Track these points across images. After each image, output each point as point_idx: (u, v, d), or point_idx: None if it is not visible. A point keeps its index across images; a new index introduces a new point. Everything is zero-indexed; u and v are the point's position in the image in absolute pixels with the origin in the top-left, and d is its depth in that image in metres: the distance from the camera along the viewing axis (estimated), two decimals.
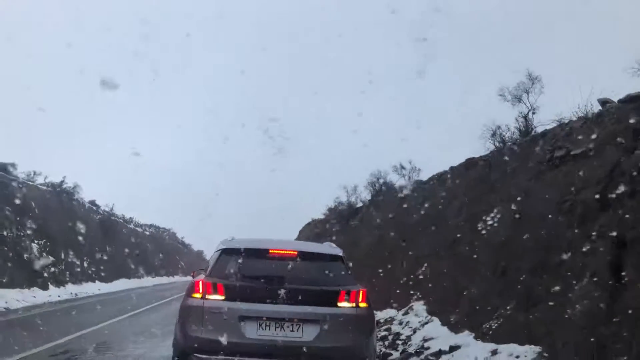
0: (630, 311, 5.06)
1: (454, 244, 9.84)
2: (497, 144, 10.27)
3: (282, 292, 5.63)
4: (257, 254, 6.05)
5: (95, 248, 28.62)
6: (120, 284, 27.65)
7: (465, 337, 7.49)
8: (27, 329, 9.94)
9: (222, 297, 5.59)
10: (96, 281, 25.92)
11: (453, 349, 7.20)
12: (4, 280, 16.57)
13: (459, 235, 9.81)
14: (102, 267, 27.34)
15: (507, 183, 8.94)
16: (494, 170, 9.64)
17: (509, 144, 9.88)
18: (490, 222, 8.64)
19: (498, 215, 8.66)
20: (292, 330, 5.59)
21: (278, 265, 6.02)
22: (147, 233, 46.59)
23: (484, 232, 8.73)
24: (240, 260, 6.09)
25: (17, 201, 19.74)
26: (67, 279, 22.94)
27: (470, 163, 10.66)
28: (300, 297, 5.63)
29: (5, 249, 18.20)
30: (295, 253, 6.12)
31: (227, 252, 6.09)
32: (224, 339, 5.37)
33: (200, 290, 5.64)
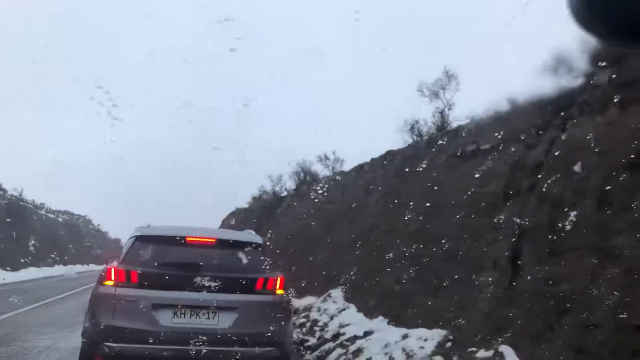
0: (525, 295, 5.48)
1: (371, 233, 10.16)
2: (414, 137, 10.68)
3: (198, 279, 5.62)
4: (174, 241, 5.98)
5: (0, 235, 26.94)
6: (29, 273, 26.21)
7: (379, 323, 7.78)
8: None
9: (136, 285, 5.49)
10: (1, 270, 24.43)
11: (367, 334, 7.46)
12: None
13: (376, 223, 10.13)
14: (8, 255, 25.78)
15: (422, 175, 9.33)
16: (411, 163, 10.02)
17: (426, 137, 10.30)
18: (405, 212, 8.99)
19: (413, 206, 9.03)
20: (208, 318, 5.60)
21: (195, 253, 5.99)
22: (60, 220, 44.38)
23: (399, 221, 9.08)
24: (155, 247, 6.01)
25: None
26: None
27: (389, 155, 11.01)
28: (216, 285, 5.64)
29: None
30: (213, 240, 6.11)
31: (142, 239, 5.99)
32: (136, 327, 5.28)
33: (113, 278, 5.52)
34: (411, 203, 9.14)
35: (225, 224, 23.25)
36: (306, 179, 16.82)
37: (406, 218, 9.13)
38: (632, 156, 4.77)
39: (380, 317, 8.05)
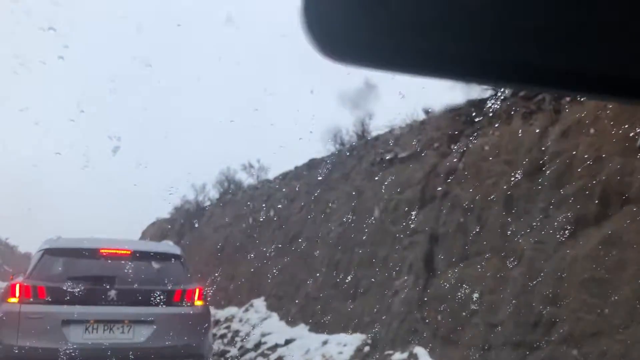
0: (438, 298, 5.70)
1: (294, 241, 10.20)
2: (337, 146, 10.85)
3: (112, 293, 5.45)
4: (85, 253, 5.77)
5: None
6: None
7: (301, 330, 7.82)
8: None
9: (43, 301, 5.24)
10: None
11: (288, 342, 7.48)
12: None
13: (299, 232, 10.18)
14: None
15: (344, 183, 9.50)
16: (334, 171, 10.18)
17: (347, 146, 10.49)
18: (328, 220, 9.11)
19: (335, 213, 9.17)
20: (123, 332, 5.43)
21: (108, 265, 5.79)
22: None
23: (322, 229, 9.19)
24: (65, 261, 5.76)
25: None
26: None
27: (312, 163, 11.12)
28: (132, 298, 5.49)
29: None
30: (129, 252, 5.94)
31: (50, 252, 5.73)
32: (44, 346, 5.04)
33: (17, 294, 5.23)
34: (332, 210, 9.28)
35: (145, 236, 22.51)
36: (230, 187, 16.62)
37: (328, 225, 9.25)
38: (531, 163, 5.11)
39: (302, 325, 8.10)
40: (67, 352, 5.02)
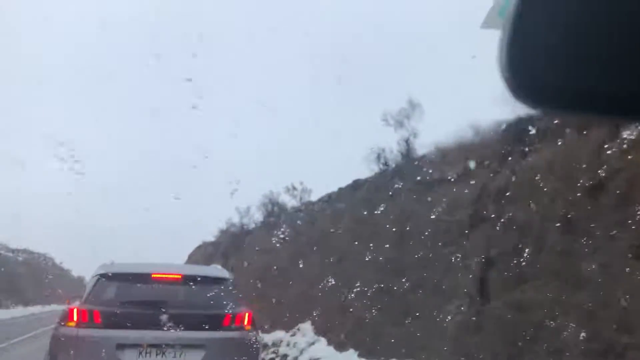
0: (493, 322, 5.49)
1: (340, 264, 10.09)
2: (381, 166, 10.74)
3: (163, 317, 5.46)
4: (138, 278, 5.83)
5: None
6: None
7: (350, 355, 7.67)
8: None
9: (99, 325, 5.31)
10: None
11: None
12: None
13: (345, 254, 10.08)
14: None
15: (390, 204, 9.37)
16: (379, 192, 10.07)
17: (392, 166, 10.38)
18: (374, 242, 8.98)
19: (382, 235, 9.03)
20: (175, 357, 5.44)
21: (160, 290, 5.84)
22: (20, 259, 42.86)
23: (368, 251, 9.06)
24: (119, 285, 5.84)
25: None
26: None
27: (356, 184, 11.05)
28: (183, 322, 5.49)
29: None
30: (179, 276, 5.98)
31: (105, 277, 5.81)
32: None
33: (75, 319, 5.32)
34: (379, 232, 9.14)
35: (192, 259, 22.82)
36: (274, 210, 16.69)
37: (375, 248, 9.12)
38: (590, 181, 4.89)
39: (351, 350, 7.95)
40: None
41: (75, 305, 5.50)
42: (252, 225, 17.93)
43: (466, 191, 7.52)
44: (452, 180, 8.10)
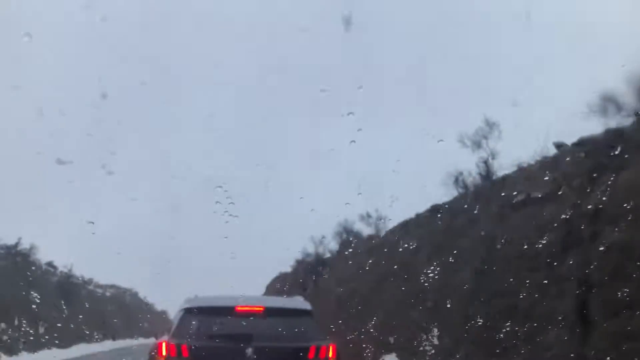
0: (600, 353, 5.04)
1: (423, 293, 9.77)
2: (459, 189, 10.43)
3: (249, 350, 5.43)
4: (222, 311, 5.84)
5: (52, 312, 27.34)
6: (79, 350, 26.29)
7: None
8: None
9: (187, 359, 5.34)
10: (52, 348, 24.57)
11: None
12: None
13: (427, 283, 9.75)
14: (59, 332, 26.03)
15: (472, 228, 9.01)
16: (459, 216, 9.73)
17: (471, 189, 10.04)
18: (458, 269, 8.63)
19: (464, 261, 8.67)
20: None
21: (244, 323, 5.82)
22: (108, 294, 44.93)
23: (452, 279, 8.71)
24: (204, 319, 5.87)
25: None
26: (21, 347, 21.69)
27: (435, 209, 10.75)
28: (268, 355, 5.44)
29: None
30: (262, 309, 5.94)
31: (190, 311, 5.87)
32: None
33: (164, 353, 5.38)
34: (461, 258, 8.78)
35: (270, 290, 22.99)
36: (349, 239, 16.56)
37: (458, 275, 8.76)
38: None
39: None
40: None
41: (164, 339, 5.57)
42: (328, 255, 17.86)
43: (554, 212, 7.09)
44: (539, 201, 7.68)
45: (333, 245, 17.76)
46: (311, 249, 18.93)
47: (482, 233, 8.56)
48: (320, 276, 16.85)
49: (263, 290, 24.77)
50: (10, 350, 20.25)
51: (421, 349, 8.80)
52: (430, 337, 8.72)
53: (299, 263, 20.38)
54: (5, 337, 20.42)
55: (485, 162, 10.05)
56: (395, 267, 11.51)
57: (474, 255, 8.50)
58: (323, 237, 18.11)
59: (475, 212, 9.28)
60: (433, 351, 8.37)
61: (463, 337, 7.84)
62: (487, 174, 10.01)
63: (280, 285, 21.57)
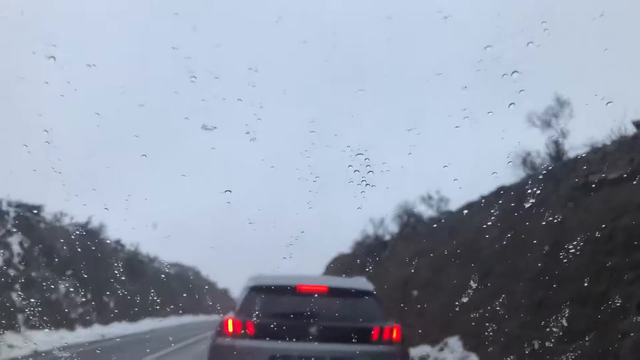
0: None
1: (488, 276, 9.52)
2: (527, 170, 10.04)
3: (313, 329, 5.46)
4: (287, 290, 5.89)
5: (121, 288, 28.69)
6: (147, 324, 27.52)
7: None
8: None
9: (252, 336, 5.44)
10: (122, 321, 25.84)
11: None
12: (33, 322, 16.60)
13: (492, 266, 9.50)
14: (128, 307, 27.32)
15: (541, 211, 8.67)
16: (527, 198, 9.38)
17: (540, 170, 9.64)
18: (525, 252, 8.34)
19: (533, 244, 8.37)
20: None
21: (308, 302, 5.84)
22: (172, 272, 46.62)
23: (519, 262, 8.43)
24: (269, 297, 5.95)
25: (45, 242, 19.99)
26: (94, 319, 22.93)
27: (501, 191, 10.41)
28: (332, 335, 5.45)
29: (34, 290, 18.32)
30: (326, 289, 5.95)
31: (255, 289, 5.96)
32: None
33: (230, 329, 5.50)
34: (529, 241, 8.48)
35: (329, 271, 23.16)
36: (409, 221, 16.38)
37: (526, 258, 8.46)
38: None
39: None
40: None
41: (230, 316, 5.68)
42: (388, 237, 17.77)
43: (633, 194, 6.69)
44: (615, 182, 7.29)
45: (393, 227, 17.65)
46: (371, 231, 18.90)
47: (552, 215, 8.22)
48: (380, 258, 16.80)
49: (322, 270, 25.01)
50: (85, 323, 21.46)
51: (485, 333, 8.61)
52: (494, 321, 8.51)
53: (359, 244, 20.41)
54: (80, 310, 21.64)
55: (556, 142, 9.62)
56: (458, 250, 11.29)
57: (543, 238, 8.19)
58: (382, 219, 18.02)
59: (544, 194, 8.92)
60: (498, 335, 8.16)
61: (530, 322, 7.59)
62: (557, 155, 9.58)
63: (339, 266, 21.69)
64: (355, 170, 4.72)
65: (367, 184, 4.83)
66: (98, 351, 14.20)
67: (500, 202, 10.22)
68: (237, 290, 6.80)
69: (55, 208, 24.91)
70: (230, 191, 5.22)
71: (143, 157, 5.62)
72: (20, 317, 15.74)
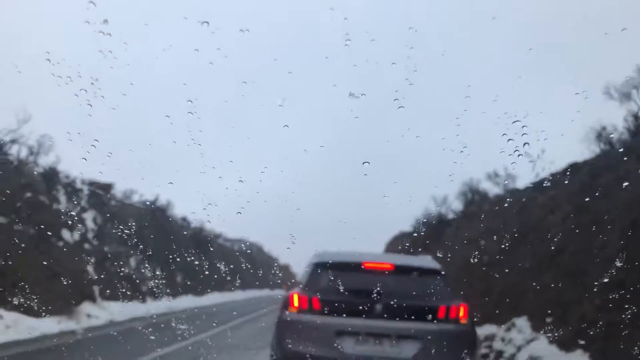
0: None
1: (558, 255, 9.16)
2: (603, 146, 9.50)
3: (378, 307, 5.43)
4: (352, 267, 5.87)
5: (188, 263, 29.76)
6: (213, 298, 28.50)
7: (579, 358, 6.87)
8: (130, 341, 10.38)
9: (318, 311, 5.47)
10: (190, 295, 26.87)
11: None
12: (108, 294, 17.53)
13: (563, 246, 9.11)
14: (195, 281, 28.35)
15: (619, 188, 8.20)
16: (601, 175, 8.89)
17: (618, 145, 9.10)
18: (601, 231, 7.94)
19: (609, 224, 7.94)
20: (391, 347, 5.37)
21: (373, 279, 5.80)
22: (236, 248, 47.87)
23: (594, 242, 8.04)
24: (334, 274, 5.95)
25: (116, 219, 20.97)
26: (163, 292, 23.95)
27: (573, 168, 9.92)
28: (397, 312, 5.40)
29: (107, 264, 19.30)
30: (392, 266, 5.89)
31: (320, 266, 5.97)
32: (321, 354, 5.24)
33: (296, 304, 5.55)
34: (607, 221, 8.04)
35: (389, 249, 23.06)
36: (474, 198, 15.98)
37: (601, 238, 8.05)
38: None
39: (579, 351, 7.12)
40: None
41: (295, 292, 5.73)
42: (451, 215, 17.43)
43: None
44: None
45: (457, 205, 17.28)
46: (433, 209, 18.60)
47: (633, 193, 7.76)
48: (443, 236, 16.52)
49: (382, 248, 24.92)
50: (155, 295, 22.46)
51: (556, 314, 8.31)
52: (566, 302, 8.19)
53: (420, 223, 20.15)
54: (150, 283, 22.65)
55: (635, 116, 9.03)
56: (526, 228, 10.91)
57: (621, 217, 7.75)
58: (445, 197, 17.67)
59: (622, 171, 8.41)
60: (569, 317, 7.85)
61: (605, 304, 7.25)
62: (636, 129, 9.01)
63: (400, 244, 21.54)
64: (509, 139, 4.48)
65: (519, 155, 4.59)
66: (172, 323, 14.84)
67: (572, 179, 9.75)
68: (298, 266, 6.84)
69: (124, 186, 25.83)
70: (368, 162, 5.10)
71: (285, 127, 5.54)
72: (96, 289, 16.66)
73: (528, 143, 4.42)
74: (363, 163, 5.03)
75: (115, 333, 12.18)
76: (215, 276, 34.40)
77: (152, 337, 10.52)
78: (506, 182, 13.95)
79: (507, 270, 10.59)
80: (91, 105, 4.41)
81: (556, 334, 7.90)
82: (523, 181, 13.28)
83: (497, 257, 11.50)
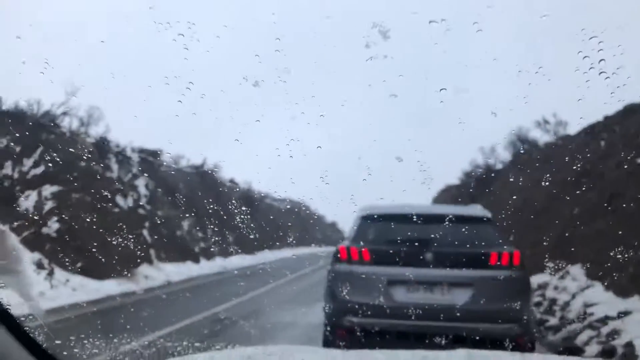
0: None
1: (613, 201, 8.89)
2: None
3: (429, 255, 5.45)
4: (400, 218, 5.89)
5: (238, 223, 30.47)
6: (263, 256, 29.19)
7: (636, 302, 6.74)
8: (189, 299, 10.85)
9: (369, 262, 5.54)
10: (241, 254, 27.62)
11: (623, 314, 6.51)
12: (162, 256, 18.23)
13: (619, 191, 8.83)
14: (244, 241, 29.08)
15: None
16: None
17: None
18: None
19: None
20: (442, 294, 5.40)
21: (423, 229, 5.81)
22: (283, 208, 48.59)
23: None
24: (383, 225, 5.99)
25: (167, 183, 21.59)
26: (216, 252, 24.72)
27: (630, 110, 9.49)
28: (448, 261, 5.41)
29: (161, 227, 19.99)
30: (440, 215, 5.88)
31: (368, 218, 6.01)
32: (374, 302, 5.33)
33: (346, 256, 5.63)
34: None
35: (437, 201, 22.90)
36: (523, 147, 15.56)
37: None
38: None
39: (637, 296, 6.98)
40: (394, 309, 5.22)
41: (345, 244, 5.81)
42: (499, 166, 17.08)
43: None
44: None
45: (505, 155, 16.89)
46: (480, 161, 18.26)
47: None
48: (492, 187, 16.25)
49: (430, 201, 24.75)
50: (208, 256, 23.21)
51: (612, 261, 8.14)
52: (623, 249, 7.99)
53: (467, 175, 19.86)
54: (202, 244, 23.40)
55: None
56: (578, 175, 10.60)
57: None
58: (493, 147, 17.28)
59: None
60: (626, 264, 7.68)
61: None
62: None
63: (448, 197, 21.35)
64: (585, 57, 4.33)
65: (600, 72, 4.44)
66: (225, 281, 15.36)
67: (628, 122, 9.34)
68: (345, 223, 6.89)
69: (173, 151, 26.40)
70: (396, 95, 5.07)
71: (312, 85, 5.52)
72: (152, 251, 17.35)
73: (604, 59, 4.22)
74: (440, 90, 4.95)
75: (169, 294, 12.73)
76: (265, 235, 35.16)
77: (207, 297, 10.98)
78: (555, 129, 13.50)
79: (557, 222, 10.38)
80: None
81: (612, 281, 7.76)
82: (574, 127, 12.82)
83: (549, 205, 11.27)
